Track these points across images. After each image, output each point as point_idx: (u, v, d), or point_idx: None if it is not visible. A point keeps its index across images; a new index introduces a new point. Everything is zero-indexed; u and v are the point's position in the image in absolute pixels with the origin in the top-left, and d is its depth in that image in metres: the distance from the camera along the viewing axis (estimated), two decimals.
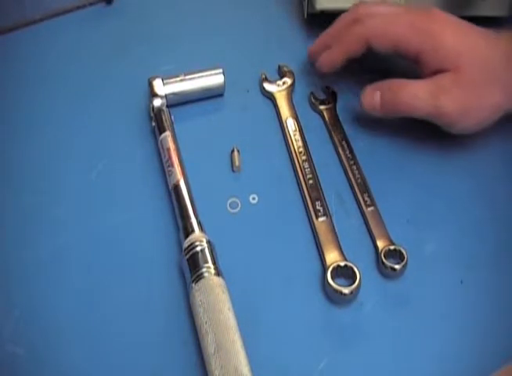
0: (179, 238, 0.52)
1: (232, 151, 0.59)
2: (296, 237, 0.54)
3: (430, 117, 0.55)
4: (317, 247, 0.53)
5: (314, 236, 0.54)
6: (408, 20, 0.56)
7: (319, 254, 0.52)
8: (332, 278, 0.50)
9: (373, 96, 0.57)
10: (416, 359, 0.48)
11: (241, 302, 0.48)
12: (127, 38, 0.69)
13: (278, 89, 0.63)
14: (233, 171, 0.58)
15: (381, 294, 0.51)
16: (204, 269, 0.49)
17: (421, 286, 0.51)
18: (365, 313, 0.50)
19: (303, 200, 0.56)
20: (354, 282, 0.49)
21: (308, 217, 0.55)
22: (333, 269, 0.50)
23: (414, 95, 0.55)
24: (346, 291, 0.49)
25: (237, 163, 0.58)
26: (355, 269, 0.50)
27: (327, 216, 0.54)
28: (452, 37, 0.54)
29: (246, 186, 0.57)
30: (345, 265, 0.50)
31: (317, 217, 0.54)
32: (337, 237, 0.53)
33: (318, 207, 0.54)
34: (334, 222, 0.54)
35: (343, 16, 0.60)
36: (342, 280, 0.50)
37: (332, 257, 0.51)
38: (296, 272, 0.52)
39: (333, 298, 0.50)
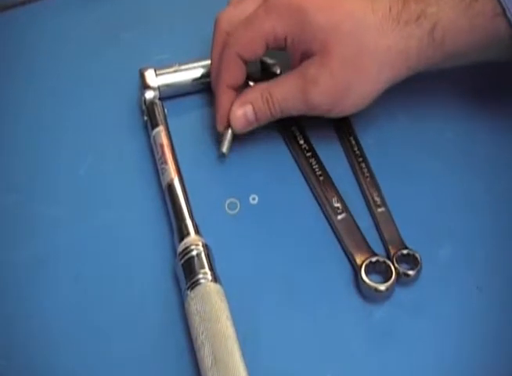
0: (173, 241, 0.52)
1: (225, 129, 0.57)
2: (300, 239, 0.54)
3: (304, 113, 0.55)
4: (341, 246, 0.53)
5: (335, 234, 0.54)
6: (267, 7, 0.53)
7: (345, 254, 0.53)
8: (366, 275, 0.50)
9: (246, 112, 0.56)
10: (429, 369, 0.48)
11: (240, 311, 0.48)
12: (116, 25, 0.69)
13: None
14: (218, 154, 0.57)
15: (392, 301, 0.50)
16: (200, 275, 0.48)
17: (436, 293, 0.51)
18: (375, 322, 0.50)
19: (316, 198, 0.56)
20: (389, 278, 0.50)
21: (325, 215, 0.55)
22: (366, 266, 0.51)
23: (285, 97, 0.54)
24: (382, 287, 0.49)
25: (225, 145, 0.57)
26: (389, 263, 0.50)
27: (347, 212, 0.54)
28: (321, 11, 0.52)
29: (246, 186, 0.57)
30: (377, 261, 0.51)
31: (336, 214, 0.54)
32: (361, 232, 0.53)
33: (335, 205, 0.54)
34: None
35: (213, 48, 0.58)
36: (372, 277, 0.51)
37: (361, 254, 0.52)
38: (299, 278, 0.52)
39: (369, 296, 0.50)
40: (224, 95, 0.56)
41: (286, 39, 0.53)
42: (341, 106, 0.54)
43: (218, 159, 0.58)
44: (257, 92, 0.56)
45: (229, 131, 0.57)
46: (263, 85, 0.56)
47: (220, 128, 0.58)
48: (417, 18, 0.51)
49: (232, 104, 0.56)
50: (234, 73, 0.56)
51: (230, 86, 0.56)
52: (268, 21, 0.53)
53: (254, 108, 0.56)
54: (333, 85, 0.53)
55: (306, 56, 0.53)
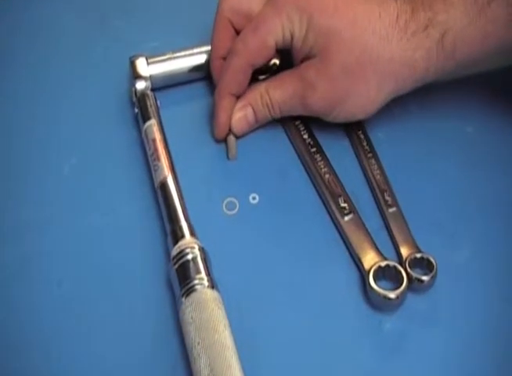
0: (167, 245, 0.52)
1: (228, 135, 0.59)
2: (304, 241, 0.54)
3: (302, 115, 0.58)
4: (348, 249, 0.53)
5: (341, 237, 0.54)
6: (275, 6, 0.55)
7: (352, 258, 0.53)
8: (374, 282, 0.50)
9: (246, 114, 0.58)
10: None
11: (239, 319, 0.48)
12: (105, 10, 0.69)
13: (267, 75, 0.60)
14: (228, 158, 0.58)
15: (405, 309, 0.50)
16: (196, 281, 0.48)
17: (453, 301, 0.51)
18: (384, 333, 0.50)
19: (321, 198, 0.56)
20: (400, 284, 0.49)
21: (331, 216, 0.55)
22: (375, 271, 0.50)
23: (283, 100, 0.57)
24: (392, 295, 0.49)
25: (233, 149, 0.58)
26: (401, 268, 0.50)
27: (354, 213, 0.54)
28: (324, 14, 0.53)
29: (245, 184, 0.57)
30: (387, 265, 0.51)
31: (343, 215, 0.54)
32: (370, 235, 0.53)
33: (342, 205, 0.55)
34: None
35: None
36: (382, 284, 0.51)
37: (369, 258, 0.52)
38: (303, 284, 0.52)
39: (378, 304, 0.50)
40: (226, 104, 0.58)
41: (292, 39, 0.54)
42: (337, 113, 0.56)
43: (214, 155, 0.59)
44: (257, 94, 0.57)
45: (232, 137, 0.59)
46: (262, 86, 0.57)
47: (219, 135, 0.59)
48: (425, 27, 0.51)
49: (232, 111, 0.58)
50: (240, 82, 0.57)
51: (233, 95, 0.58)
52: (278, 21, 0.54)
53: (254, 110, 0.58)
54: (331, 91, 0.54)
55: (308, 58, 0.55)
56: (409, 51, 0.52)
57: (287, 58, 0.57)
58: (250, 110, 0.58)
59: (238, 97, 0.58)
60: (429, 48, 0.52)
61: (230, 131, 0.59)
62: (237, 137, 0.59)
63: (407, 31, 0.51)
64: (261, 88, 0.57)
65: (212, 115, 0.59)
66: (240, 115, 0.58)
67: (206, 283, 0.48)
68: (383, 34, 0.52)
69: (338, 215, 0.54)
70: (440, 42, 0.51)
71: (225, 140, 0.59)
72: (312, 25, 0.53)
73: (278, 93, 0.57)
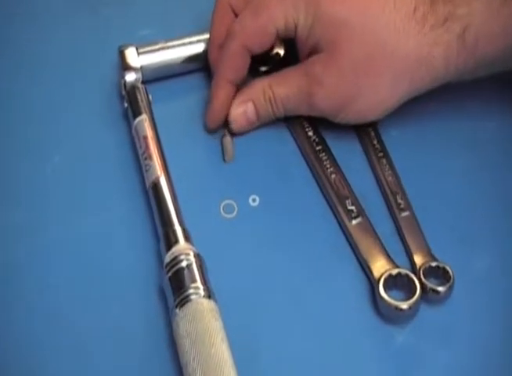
0: (159, 251, 0.52)
1: (224, 136, 0.58)
2: (308, 247, 0.54)
3: (308, 114, 0.57)
4: (356, 256, 0.53)
5: (349, 242, 0.54)
6: None
7: (360, 265, 0.52)
8: (385, 291, 0.50)
9: (246, 110, 0.58)
10: None
11: (238, 332, 0.48)
12: None
13: (269, 66, 0.61)
14: (225, 161, 0.58)
15: (419, 322, 0.50)
16: (191, 291, 0.48)
17: (471, 313, 0.50)
18: (396, 348, 0.49)
19: (326, 200, 0.56)
20: (412, 294, 0.49)
21: (338, 220, 0.55)
22: (385, 279, 0.50)
23: (288, 96, 0.56)
24: (404, 306, 0.49)
25: (230, 151, 0.58)
26: (413, 277, 0.50)
27: (363, 216, 0.54)
28: (334, 3, 0.53)
29: (245, 185, 0.57)
30: (398, 273, 0.50)
31: (350, 219, 0.54)
32: (380, 240, 0.52)
33: (349, 207, 0.54)
34: None
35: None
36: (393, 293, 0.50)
37: (380, 265, 0.51)
38: (307, 293, 0.52)
39: (388, 316, 0.50)
40: (221, 90, 0.57)
41: (296, 29, 0.54)
42: (346, 113, 0.55)
43: (211, 153, 0.59)
44: (259, 88, 0.57)
45: (228, 138, 0.58)
46: (265, 81, 0.57)
47: (211, 124, 0.58)
48: (444, 21, 0.50)
49: (229, 100, 0.58)
50: (237, 67, 0.57)
51: (230, 81, 0.57)
52: (281, 7, 0.54)
53: (255, 106, 0.57)
54: (340, 88, 0.54)
55: (315, 51, 0.54)
56: (426, 47, 0.51)
57: (292, 49, 0.57)
58: (251, 106, 0.57)
59: (237, 87, 0.57)
60: (448, 44, 0.51)
61: (226, 130, 0.58)
62: (235, 135, 0.59)
63: (425, 25, 0.51)
64: (263, 83, 0.57)
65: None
66: (240, 110, 0.58)
67: (202, 292, 0.48)
68: (398, 27, 0.51)
69: (345, 219, 0.54)
70: (461, 37, 0.50)
71: (222, 137, 0.59)
72: (319, 14, 0.52)
73: (282, 89, 0.56)
